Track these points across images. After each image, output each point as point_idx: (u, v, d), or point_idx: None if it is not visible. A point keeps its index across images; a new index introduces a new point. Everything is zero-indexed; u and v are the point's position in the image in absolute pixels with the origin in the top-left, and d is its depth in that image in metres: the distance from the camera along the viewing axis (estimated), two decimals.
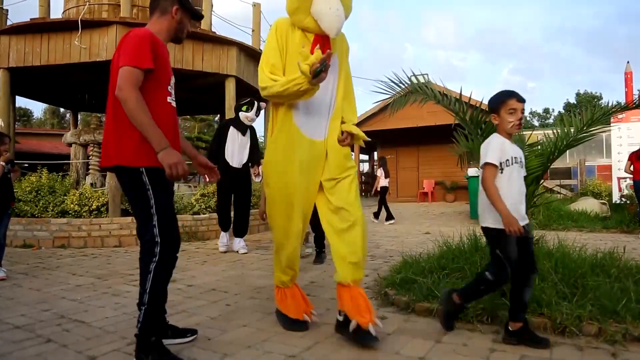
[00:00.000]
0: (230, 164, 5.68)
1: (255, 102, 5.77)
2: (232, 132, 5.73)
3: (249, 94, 9.20)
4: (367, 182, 23.04)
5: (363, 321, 2.42)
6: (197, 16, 2.66)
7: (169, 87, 2.39)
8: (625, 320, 2.56)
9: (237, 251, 5.77)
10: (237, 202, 5.84)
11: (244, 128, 5.76)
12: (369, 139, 2.88)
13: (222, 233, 5.88)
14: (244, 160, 5.80)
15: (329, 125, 2.73)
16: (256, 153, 5.95)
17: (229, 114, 7.99)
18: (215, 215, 7.52)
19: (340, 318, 2.60)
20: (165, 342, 2.47)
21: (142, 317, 2.19)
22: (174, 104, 2.42)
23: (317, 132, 2.70)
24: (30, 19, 7.23)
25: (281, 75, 2.57)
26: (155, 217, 2.22)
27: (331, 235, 2.65)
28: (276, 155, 2.70)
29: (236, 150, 5.73)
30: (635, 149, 7.94)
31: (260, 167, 6.08)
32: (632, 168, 7.52)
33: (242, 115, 5.70)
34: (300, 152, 2.65)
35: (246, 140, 5.80)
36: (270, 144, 2.76)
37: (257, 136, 6.01)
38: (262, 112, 6.28)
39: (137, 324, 2.21)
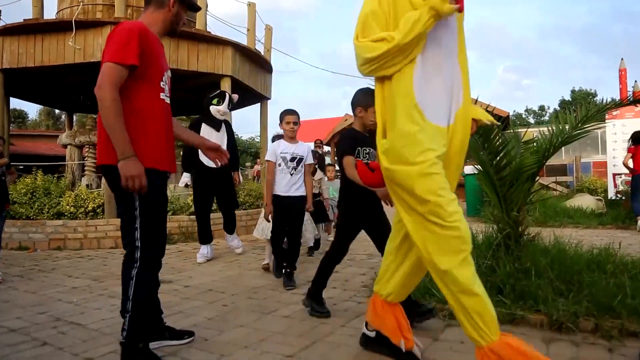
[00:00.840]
0: (207, 164, 5.05)
1: (227, 94, 5.31)
2: (205, 129, 5.16)
3: (244, 93, 9.19)
4: None
5: (409, 344, 2.22)
6: (194, 8, 2.60)
7: (162, 82, 2.31)
8: (621, 315, 2.57)
9: (234, 249, 5.64)
10: (222, 203, 5.45)
11: (217, 123, 5.22)
12: (497, 123, 2.45)
13: (202, 246, 5.32)
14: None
15: (456, 108, 2.06)
16: (234, 157, 5.42)
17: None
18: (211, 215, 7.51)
19: (371, 334, 2.39)
20: (163, 343, 2.47)
21: (127, 324, 2.14)
22: (167, 100, 2.36)
23: (441, 116, 2.03)
24: (24, 19, 7.18)
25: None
26: (139, 219, 2.17)
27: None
28: (412, 148, 1.93)
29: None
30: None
31: (239, 174, 5.68)
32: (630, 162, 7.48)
33: (214, 109, 5.18)
34: (437, 143, 1.98)
35: (222, 135, 5.20)
36: (399, 137, 1.98)
37: (234, 131, 5.65)
38: (264, 107, 6.09)
39: (122, 331, 2.16)
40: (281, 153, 4.04)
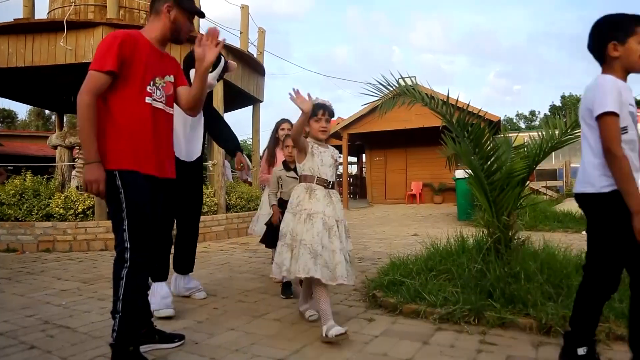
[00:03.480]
0: (178, 156, 3.17)
1: (222, 59, 3.52)
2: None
3: (237, 96, 9.18)
4: (355, 185, 23.14)
5: None
6: (196, 13, 2.58)
7: (149, 87, 2.32)
8: (608, 319, 2.60)
9: (192, 294, 3.61)
10: (184, 216, 3.56)
11: None
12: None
13: (156, 285, 3.16)
14: (198, 152, 3.50)
15: None
16: (230, 134, 3.84)
17: None
18: (203, 218, 7.47)
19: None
20: (153, 347, 2.46)
21: (118, 325, 2.15)
22: (157, 104, 2.35)
23: None
24: (14, 19, 7.13)
25: None
26: (126, 221, 2.19)
27: None
28: None
29: (187, 135, 3.40)
30: None
31: (244, 157, 3.84)
32: None
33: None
34: None
35: (198, 117, 3.42)
36: None
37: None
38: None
39: (112, 333, 2.16)
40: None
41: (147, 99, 2.32)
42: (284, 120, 4.30)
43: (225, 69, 3.62)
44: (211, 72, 3.34)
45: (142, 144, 2.27)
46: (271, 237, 3.61)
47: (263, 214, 4.18)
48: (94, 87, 2.17)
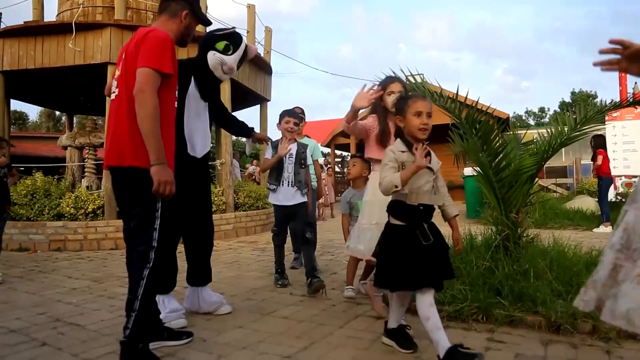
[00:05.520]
0: (190, 152, 2.93)
1: (244, 43, 3.08)
2: (192, 90, 2.91)
3: (245, 96, 9.20)
4: None
5: None
6: (206, 23, 2.67)
7: (176, 91, 2.42)
8: None
9: (215, 309, 3.12)
10: (198, 216, 3.07)
11: (212, 84, 3.07)
12: None
13: (164, 298, 2.82)
14: (209, 146, 3.13)
15: None
16: (237, 122, 3.49)
17: None
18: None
19: None
20: (161, 343, 2.48)
21: (132, 323, 2.15)
22: (177, 106, 2.47)
23: None
24: (24, 22, 7.21)
25: None
26: (159, 220, 2.21)
27: None
28: None
29: (203, 126, 3.02)
30: (630, 147, 7.96)
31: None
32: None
33: (216, 57, 2.92)
34: None
35: (205, 111, 3.04)
36: None
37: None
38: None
39: (124, 330, 2.17)
40: None
41: (175, 104, 2.39)
42: (392, 79, 3.09)
43: (246, 54, 3.11)
44: (231, 54, 2.97)
45: (171, 145, 2.32)
46: (394, 271, 2.18)
47: (365, 224, 2.95)
48: (155, 86, 2.15)
